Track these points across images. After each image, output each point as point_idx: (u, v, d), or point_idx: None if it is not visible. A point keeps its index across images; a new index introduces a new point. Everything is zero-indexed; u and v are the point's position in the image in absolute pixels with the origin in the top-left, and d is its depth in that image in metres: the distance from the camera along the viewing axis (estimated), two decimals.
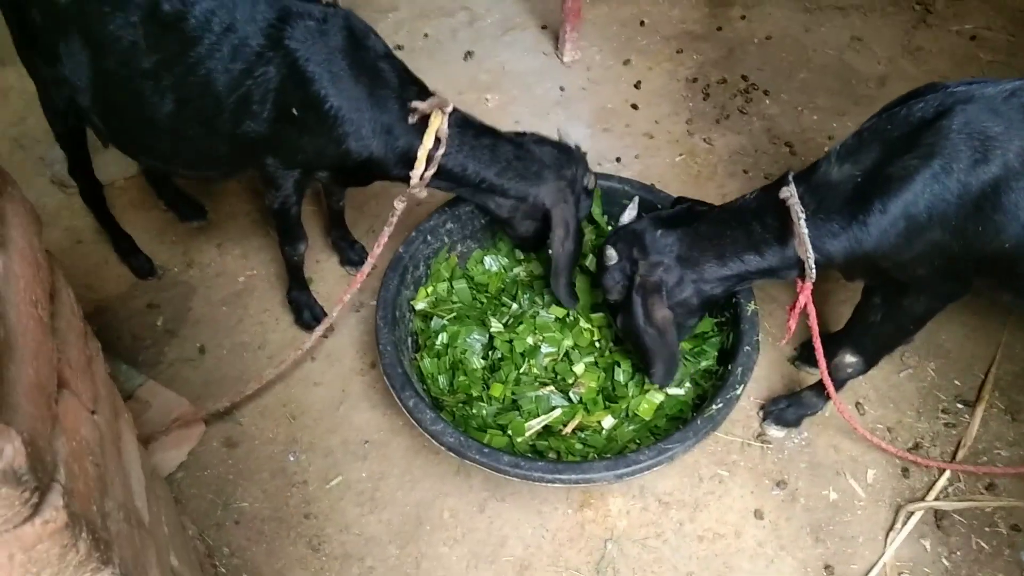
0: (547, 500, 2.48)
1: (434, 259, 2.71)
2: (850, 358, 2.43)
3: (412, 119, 2.26)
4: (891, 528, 2.47)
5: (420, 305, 2.62)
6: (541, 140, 2.51)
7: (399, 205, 2.40)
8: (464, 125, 2.36)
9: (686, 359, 2.51)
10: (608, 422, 2.41)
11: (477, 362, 2.55)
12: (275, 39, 2.14)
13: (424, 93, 2.32)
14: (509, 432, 2.37)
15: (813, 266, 2.06)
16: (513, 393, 2.47)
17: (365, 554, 2.39)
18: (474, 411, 2.44)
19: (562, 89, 3.73)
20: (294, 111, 2.21)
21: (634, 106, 3.64)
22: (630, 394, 2.45)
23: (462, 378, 2.51)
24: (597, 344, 2.58)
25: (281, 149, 2.31)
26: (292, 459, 2.58)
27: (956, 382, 2.80)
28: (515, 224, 2.53)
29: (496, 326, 2.60)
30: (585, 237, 2.66)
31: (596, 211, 2.78)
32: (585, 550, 2.40)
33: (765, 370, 2.80)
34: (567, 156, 2.46)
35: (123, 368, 2.67)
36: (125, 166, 3.28)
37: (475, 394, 2.48)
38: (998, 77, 1.98)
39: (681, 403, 2.45)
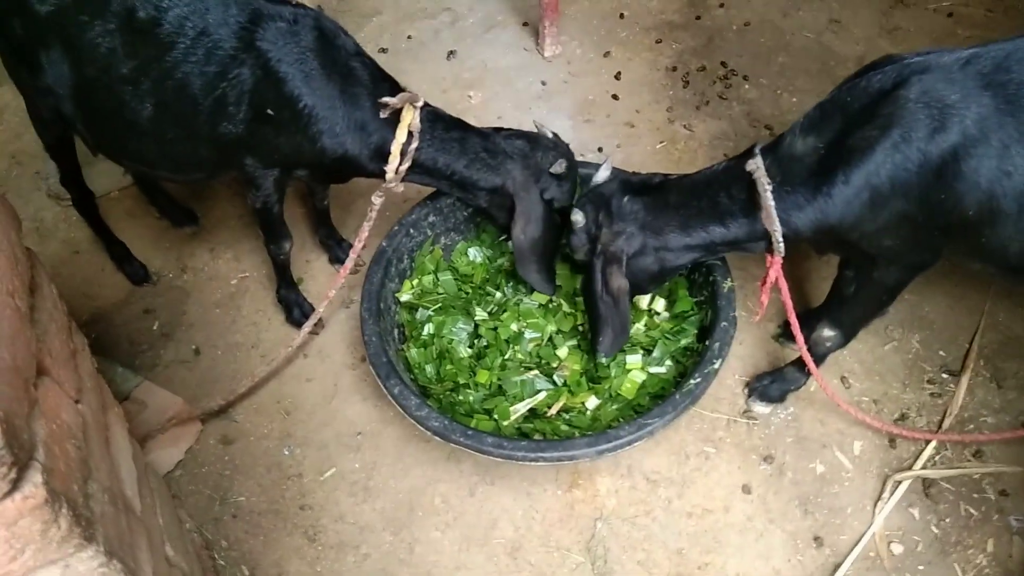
0: (536, 482, 2.52)
1: (418, 252, 2.76)
2: (828, 332, 2.46)
3: (384, 114, 2.32)
4: (879, 498, 2.50)
5: (405, 297, 2.67)
6: (513, 133, 2.56)
7: (377, 200, 2.45)
8: (435, 119, 2.42)
9: (666, 338, 2.55)
10: (592, 402, 2.45)
11: (463, 350, 2.60)
12: (247, 41, 2.20)
13: (396, 89, 2.38)
14: (495, 416, 2.42)
15: (781, 240, 2.09)
16: (499, 378, 2.51)
17: (360, 542, 2.44)
18: (461, 398, 2.48)
19: (544, 83, 3.78)
20: (269, 111, 2.27)
21: (615, 97, 3.69)
22: (612, 375, 2.49)
23: (449, 367, 2.56)
24: (580, 328, 2.62)
25: (259, 149, 2.36)
26: (287, 453, 2.63)
27: (941, 352, 2.82)
28: (494, 214, 2.58)
29: (481, 315, 2.65)
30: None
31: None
32: (575, 530, 2.44)
33: (749, 348, 2.83)
34: (533, 145, 2.50)
35: (119, 370, 2.74)
36: (118, 177, 3.36)
37: (462, 381, 2.52)
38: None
39: (663, 381, 2.49)
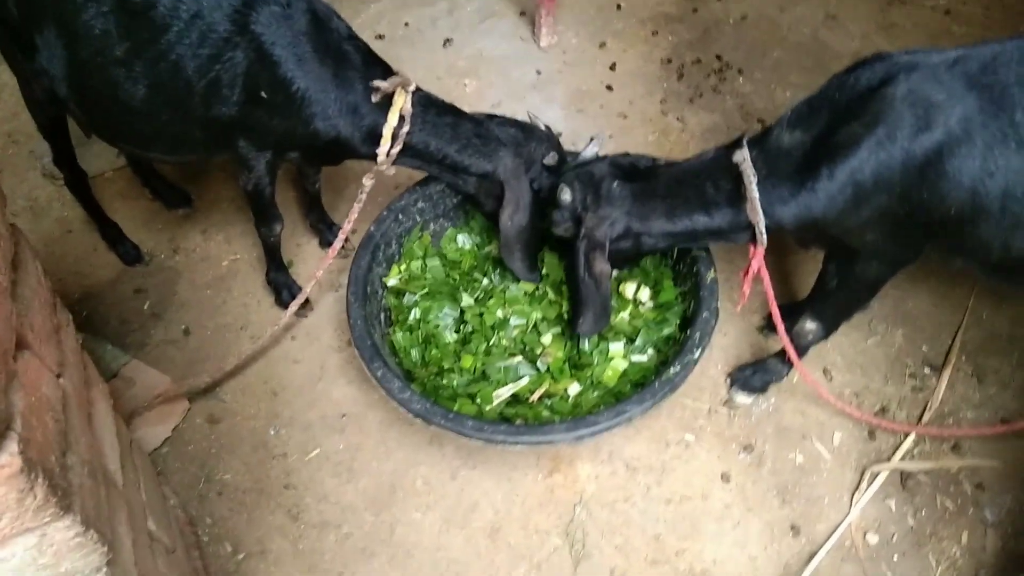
0: (517, 467, 2.55)
1: (407, 237, 2.78)
2: (810, 324, 2.48)
3: (375, 98, 2.34)
4: (856, 489, 2.53)
5: (392, 281, 2.69)
6: (506, 121, 2.58)
7: (367, 182, 2.48)
8: (427, 104, 2.44)
9: (649, 327, 2.57)
10: (574, 389, 2.48)
11: (449, 335, 2.63)
12: (241, 24, 2.22)
13: (388, 73, 2.40)
14: (478, 401, 2.44)
15: (764, 231, 2.12)
16: (483, 364, 2.54)
17: (342, 521, 2.47)
18: (445, 382, 2.51)
19: (538, 73, 3.79)
20: (262, 94, 2.29)
21: (609, 87, 3.70)
22: (595, 362, 2.51)
23: (434, 351, 2.58)
24: (565, 316, 2.65)
25: (252, 131, 2.39)
26: (272, 433, 2.66)
27: (924, 348, 2.85)
28: (481, 200, 2.60)
29: (467, 301, 2.68)
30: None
31: None
32: (555, 514, 2.48)
33: (733, 339, 2.86)
34: (527, 135, 2.52)
35: (109, 348, 2.76)
36: (112, 158, 3.38)
37: (447, 366, 2.55)
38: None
39: (645, 369, 2.51)
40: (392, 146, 2.38)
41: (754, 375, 2.68)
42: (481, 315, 2.63)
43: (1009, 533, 2.44)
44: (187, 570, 2.15)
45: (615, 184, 2.31)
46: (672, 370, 2.28)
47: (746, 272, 2.26)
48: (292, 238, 3.16)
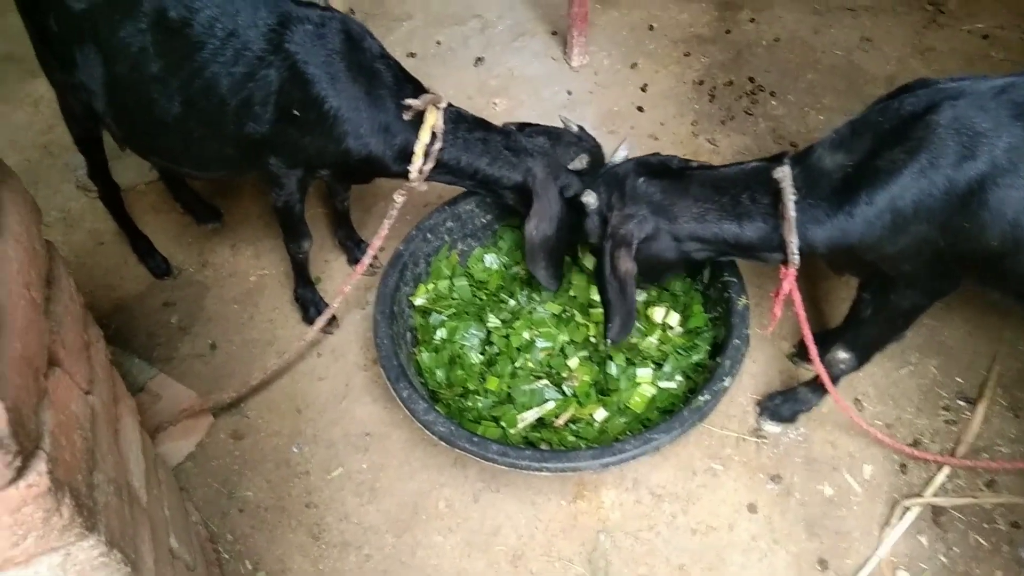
0: (541, 491, 2.52)
1: (435, 257, 2.78)
2: (842, 354, 2.44)
3: (407, 116, 2.34)
4: (887, 524, 2.47)
5: (419, 300, 2.69)
6: (536, 130, 2.58)
7: (399, 199, 2.48)
8: (458, 120, 2.44)
9: (678, 353, 2.54)
10: (600, 414, 2.45)
11: (475, 356, 2.61)
12: (276, 43, 2.24)
13: (419, 91, 2.40)
14: (503, 424, 2.43)
15: (796, 252, 2.08)
16: (508, 386, 2.52)
17: (363, 542, 2.45)
18: (470, 404, 2.50)
19: (569, 93, 3.79)
20: (295, 112, 2.30)
21: (640, 108, 3.69)
22: (622, 387, 2.49)
23: (459, 372, 2.57)
24: (592, 340, 2.62)
25: (283, 149, 2.40)
26: (296, 451, 2.65)
27: (958, 379, 2.79)
28: (521, 211, 2.58)
29: (494, 322, 2.66)
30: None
31: None
32: (578, 541, 2.44)
33: (763, 366, 2.82)
34: (555, 142, 2.51)
35: (136, 362, 2.78)
36: (144, 171, 3.42)
37: (472, 387, 2.54)
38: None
39: (673, 396, 2.48)
40: (424, 163, 2.39)
41: (784, 404, 2.63)
42: (507, 336, 2.62)
43: None
44: None
45: (640, 180, 2.26)
46: (702, 398, 2.24)
47: (777, 293, 2.21)
48: (320, 255, 3.17)
